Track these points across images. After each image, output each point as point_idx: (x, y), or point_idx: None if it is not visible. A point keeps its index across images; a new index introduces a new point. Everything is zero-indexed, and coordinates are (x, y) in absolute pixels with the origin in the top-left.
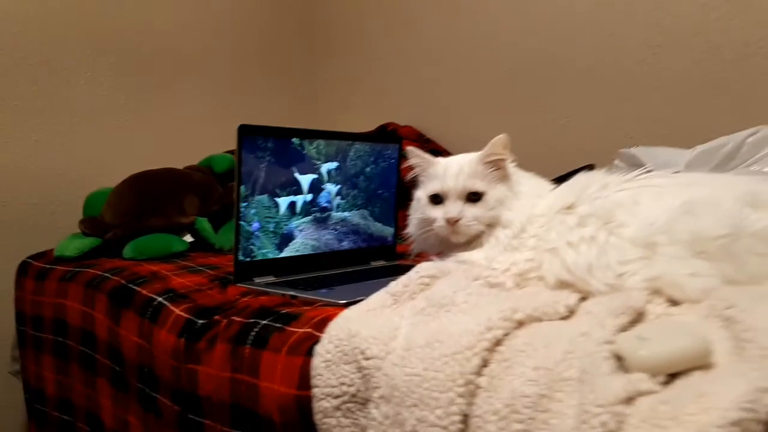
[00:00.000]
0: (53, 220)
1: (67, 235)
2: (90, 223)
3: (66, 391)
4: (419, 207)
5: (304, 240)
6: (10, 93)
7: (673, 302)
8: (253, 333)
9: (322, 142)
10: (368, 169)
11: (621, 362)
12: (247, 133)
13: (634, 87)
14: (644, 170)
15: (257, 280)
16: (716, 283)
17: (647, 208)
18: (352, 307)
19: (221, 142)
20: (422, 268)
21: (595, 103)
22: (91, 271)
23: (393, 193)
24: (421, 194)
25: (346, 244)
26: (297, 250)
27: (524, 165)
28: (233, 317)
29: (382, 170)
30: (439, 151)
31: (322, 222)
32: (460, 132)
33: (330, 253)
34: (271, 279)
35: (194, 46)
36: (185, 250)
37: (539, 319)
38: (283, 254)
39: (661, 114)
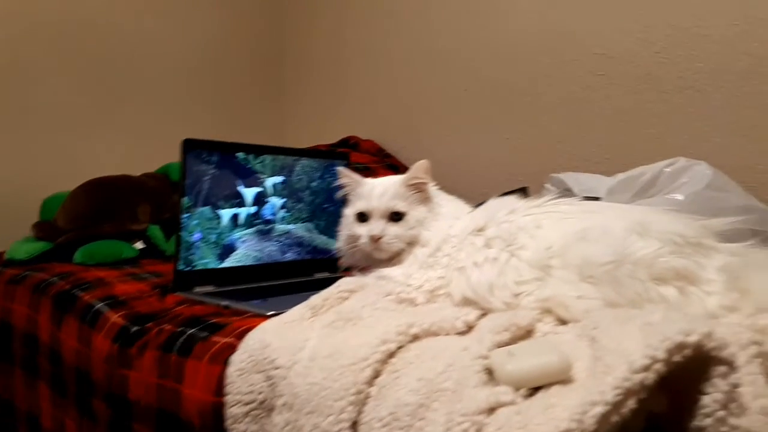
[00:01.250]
0: (9, 222)
1: (22, 237)
2: (43, 227)
3: (8, 393)
4: (347, 224)
5: (246, 251)
6: None
7: (562, 321)
8: (179, 341)
9: (268, 157)
10: (314, 184)
11: (492, 375)
12: (192, 147)
13: (580, 111)
14: (553, 197)
15: (197, 289)
16: (598, 305)
17: (547, 233)
18: (272, 319)
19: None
20: (342, 283)
21: (543, 124)
22: (40, 275)
23: (339, 207)
24: (349, 212)
25: (289, 256)
26: (239, 261)
27: (474, 180)
28: (164, 325)
29: (329, 185)
30: (396, 166)
31: (265, 234)
32: (417, 147)
33: (273, 264)
34: (210, 289)
35: (160, 56)
36: (136, 257)
37: (436, 334)
38: (224, 264)
39: (603, 139)
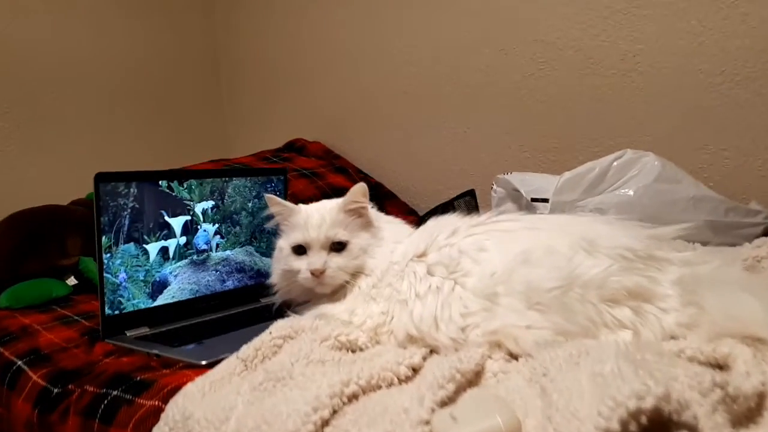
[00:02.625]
0: None
1: None
2: None
3: None
4: (282, 257)
5: (180, 285)
6: None
7: (512, 355)
8: (102, 406)
9: (193, 182)
10: (250, 204)
11: None
12: (105, 180)
13: (524, 100)
14: (495, 213)
15: (129, 333)
16: (548, 335)
17: (491, 256)
18: (198, 379)
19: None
20: (275, 328)
21: (490, 116)
22: None
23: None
24: (283, 244)
25: (230, 284)
26: (173, 297)
27: (425, 176)
28: (86, 386)
29: (267, 204)
30: (345, 168)
31: (200, 264)
32: (365, 147)
33: (212, 296)
34: (144, 331)
35: (91, 75)
36: (69, 294)
37: (377, 387)
38: (157, 302)
39: (549, 128)
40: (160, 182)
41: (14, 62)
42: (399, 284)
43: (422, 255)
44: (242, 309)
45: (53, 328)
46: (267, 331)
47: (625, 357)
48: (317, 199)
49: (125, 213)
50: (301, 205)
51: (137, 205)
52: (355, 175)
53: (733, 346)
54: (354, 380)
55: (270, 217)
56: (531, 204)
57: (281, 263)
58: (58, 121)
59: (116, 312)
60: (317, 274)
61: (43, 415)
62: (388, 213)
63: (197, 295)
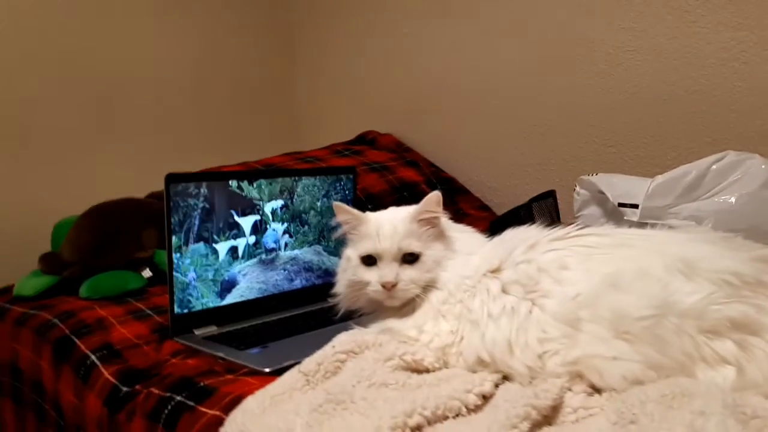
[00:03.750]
0: (19, 252)
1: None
2: (49, 261)
3: None
4: (350, 267)
5: (249, 284)
6: None
7: (595, 388)
8: (166, 411)
9: (263, 182)
10: (319, 203)
11: None
12: (175, 181)
13: (610, 92)
14: (578, 226)
15: (197, 332)
16: (637, 369)
17: (574, 275)
18: (258, 393)
19: (195, 165)
20: (339, 342)
21: (571, 108)
22: (44, 314)
23: None
24: (351, 254)
25: (298, 283)
26: (242, 296)
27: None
28: (153, 388)
29: None
30: (416, 162)
31: (269, 263)
32: (439, 139)
33: (280, 295)
34: (212, 330)
35: (170, 70)
36: (144, 286)
37: (443, 418)
38: (226, 302)
39: (638, 122)
40: (229, 182)
41: (97, 66)
42: (470, 302)
43: (496, 270)
44: (310, 309)
45: (126, 323)
46: (330, 345)
47: (733, 411)
48: (387, 193)
49: (195, 213)
50: (370, 214)
51: (207, 205)
52: (426, 168)
53: None
54: (418, 410)
55: (338, 226)
56: (617, 209)
57: (348, 273)
58: (139, 114)
59: (185, 311)
60: (388, 287)
61: (111, 414)
62: (459, 209)
63: (265, 294)
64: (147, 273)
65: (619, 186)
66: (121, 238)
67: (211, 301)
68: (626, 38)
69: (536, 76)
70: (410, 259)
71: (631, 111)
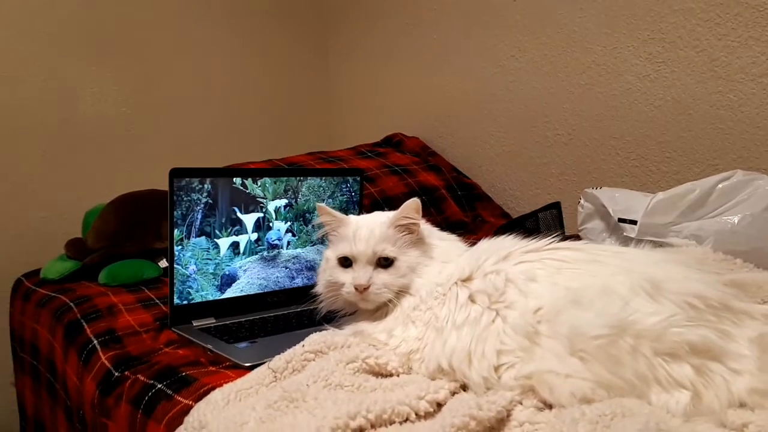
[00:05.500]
0: (51, 237)
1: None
2: (73, 246)
3: (39, 414)
4: (328, 268)
5: (249, 280)
6: (17, 108)
7: (547, 404)
8: (147, 397)
9: (268, 180)
10: (324, 204)
11: None
12: (179, 176)
13: (636, 104)
14: (552, 238)
15: (195, 323)
16: (587, 387)
17: (539, 288)
18: (226, 386)
19: (226, 158)
20: (309, 342)
21: (596, 119)
22: (62, 298)
23: None
24: (330, 255)
25: (299, 281)
26: (241, 290)
27: (523, 178)
28: (140, 375)
29: (341, 204)
30: (439, 167)
31: (271, 260)
32: (464, 145)
33: (281, 291)
34: (210, 321)
35: (206, 70)
36: (159, 276)
37: (389, 422)
38: (226, 295)
39: (663, 135)
40: (234, 179)
41: (134, 53)
42: (439, 309)
43: (467, 279)
44: (309, 307)
45: (134, 310)
46: (300, 344)
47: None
48: (406, 196)
49: (198, 208)
50: (352, 217)
51: (210, 201)
52: (448, 173)
53: None
54: (362, 413)
55: (321, 226)
56: (618, 225)
57: (327, 273)
58: (172, 109)
59: (184, 302)
60: (361, 290)
61: (102, 397)
62: (478, 215)
63: (265, 291)
64: (164, 263)
65: (621, 201)
66: (142, 228)
67: (211, 294)
68: (655, 49)
69: (562, 86)
70: (385, 263)
71: (656, 124)
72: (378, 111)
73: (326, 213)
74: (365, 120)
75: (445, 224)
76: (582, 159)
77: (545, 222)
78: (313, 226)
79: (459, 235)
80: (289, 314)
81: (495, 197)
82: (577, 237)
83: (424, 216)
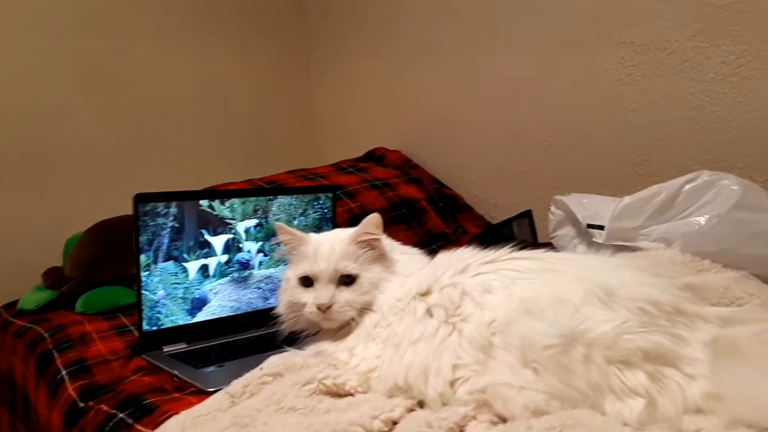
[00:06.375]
0: (28, 267)
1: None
2: (50, 276)
3: None
4: (288, 288)
5: (221, 302)
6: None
7: (501, 417)
8: (107, 428)
9: (236, 201)
10: (296, 222)
11: None
12: (144, 201)
13: (611, 108)
14: (511, 248)
15: (166, 348)
16: (540, 399)
17: (495, 299)
18: (183, 413)
19: (210, 179)
20: (267, 365)
21: (574, 125)
22: (37, 329)
23: None
24: (290, 275)
25: (273, 301)
26: (213, 314)
27: (509, 188)
28: (103, 404)
29: (314, 221)
30: (420, 179)
31: (242, 282)
32: (446, 157)
33: (253, 313)
34: (181, 347)
35: (185, 89)
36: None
37: None
38: (197, 319)
39: (639, 138)
40: (201, 201)
41: (125, 78)
42: (398, 325)
43: (426, 293)
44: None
45: (107, 338)
46: (258, 367)
47: None
48: (386, 210)
49: (164, 232)
50: (312, 235)
51: (177, 224)
52: (430, 185)
53: None
54: None
55: (280, 245)
56: (587, 231)
57: (287, 294)
58: (158, 133)
59: (154, 328)
60: (323, 309)
61: (67, 428)
62: (460, 225)
63: (238, 313)
64: None
65: (589, 206)
66: (117, 254)
67: (181, 319)
68: (626, 53)
69: (539, 94)
70: (347, 280)
71: (632, 127)
72: (361, 126)
73: (285, 232)
74: (349, 136)
75: (427, 236)
76: (561, 166)
77: (520, 230)
78: (271, 246)
79: (440, 247)
80: (261, 336)
81: (477, 207)
82: (549, 245)
83: (405, 229)
